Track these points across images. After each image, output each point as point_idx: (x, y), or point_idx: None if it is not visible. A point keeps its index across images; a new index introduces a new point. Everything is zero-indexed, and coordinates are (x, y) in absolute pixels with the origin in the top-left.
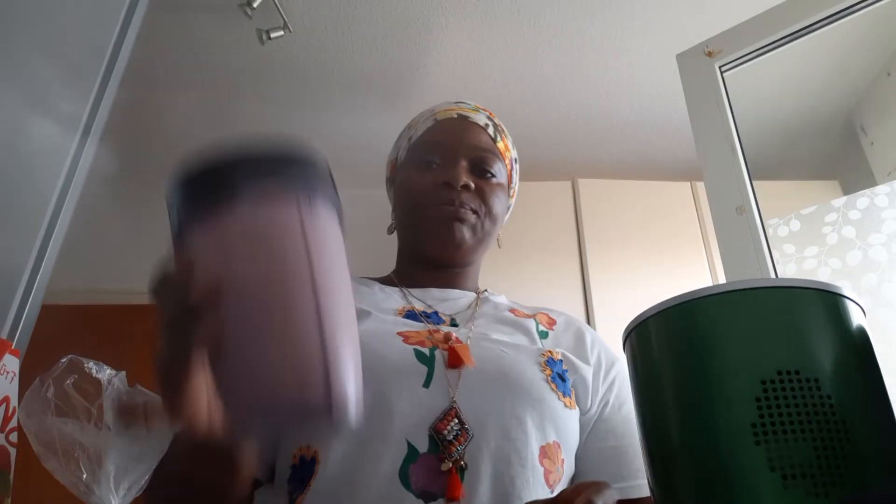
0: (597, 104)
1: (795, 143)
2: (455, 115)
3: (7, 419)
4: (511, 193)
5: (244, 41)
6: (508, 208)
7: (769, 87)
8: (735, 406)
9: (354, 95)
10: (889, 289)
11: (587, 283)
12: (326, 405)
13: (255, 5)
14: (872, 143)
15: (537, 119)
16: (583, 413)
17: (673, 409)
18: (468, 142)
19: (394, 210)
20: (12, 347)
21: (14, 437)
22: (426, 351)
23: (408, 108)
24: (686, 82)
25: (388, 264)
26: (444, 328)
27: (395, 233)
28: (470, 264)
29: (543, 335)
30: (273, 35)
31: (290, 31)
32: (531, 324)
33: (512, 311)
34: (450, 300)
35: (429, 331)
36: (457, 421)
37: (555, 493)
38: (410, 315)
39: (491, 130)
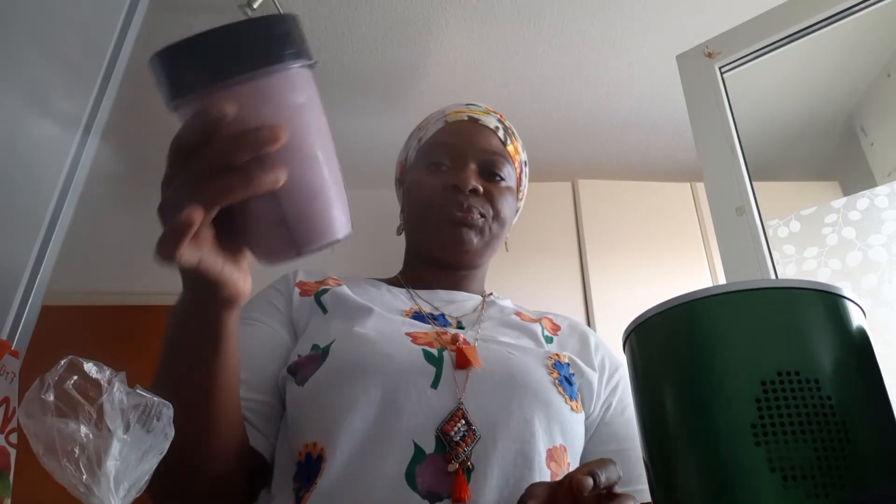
0: (597, 105)
1: (795, 143)
2: (465, 118)
3: (7, 420)
4: (520, 196)
5: None
6: (517, 211)
7: (769, 87)
8: (735, 407)
9: (354, 95)
10: (889, 289)
11: (587, 283)
12: (346, 233)
13: (255, 6)
14: (872, 144)
15: (537, 120)
16: (587, 417)
17: (673, 409)
18: (478, 145)
19: (402, 211)
20: (12, 348)
21: (14, 438)
22: (435, 352)
23: (408, 108)
24: (686, 83)
25: (386, 264)
26: (451, 330)
27: (403, 233)
28: (477, 267)
29: (549, 340)
30: None
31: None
32: (537, 328)
33: (518, 314)
34: (456, 302)
35: (437, 332)
36: (464, 422)
37: None
38: (417, 316)
39: (501, 133)
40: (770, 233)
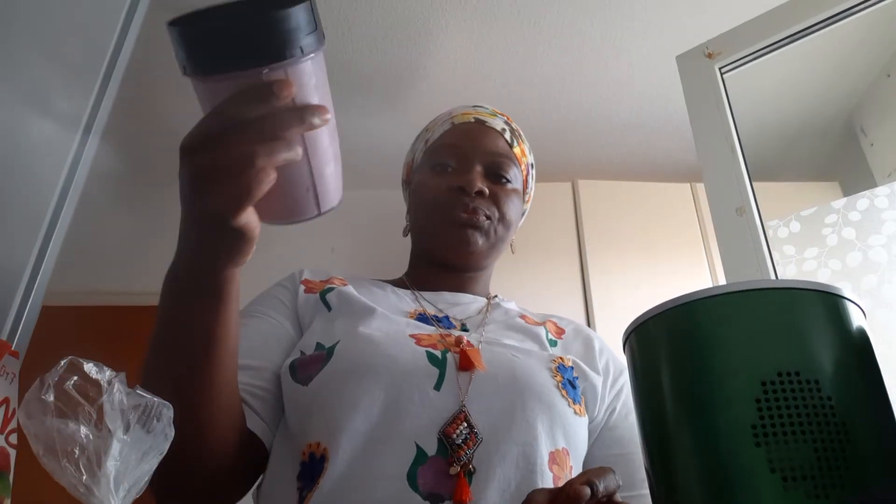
0: (597, 105)
1: (795, 144)
2: (472, 120)
3: (7, 420)
4: (526, 199)
5: None
6: (523, 214)
7: (769, 88)
8: (735, 407)
9: (354, 96)
10: (889, 290)
11: (587, 284)
12: (340, 201)
13: None
14: (872, 145)
15: (537, 120)
16: (590, 421)
17: (673, 410)
18: (484, 146)
19: (408, 212)
20: (12, 348)
21: (14, 439)
22: (438, 354)
23: (408, 108)
24: (686, 84)
25: (387, 264)
26: (455, 332)
27: (409, 235)
28: (482, 269)
29: (553, 343)
30: None
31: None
32: (541, 331)
33: (522, 317)
34: (461, 305)
35: (440, 334)
36: (466, 425)
37: None
38: (422, 318)
39: (507, 135)
40: (770, 233)
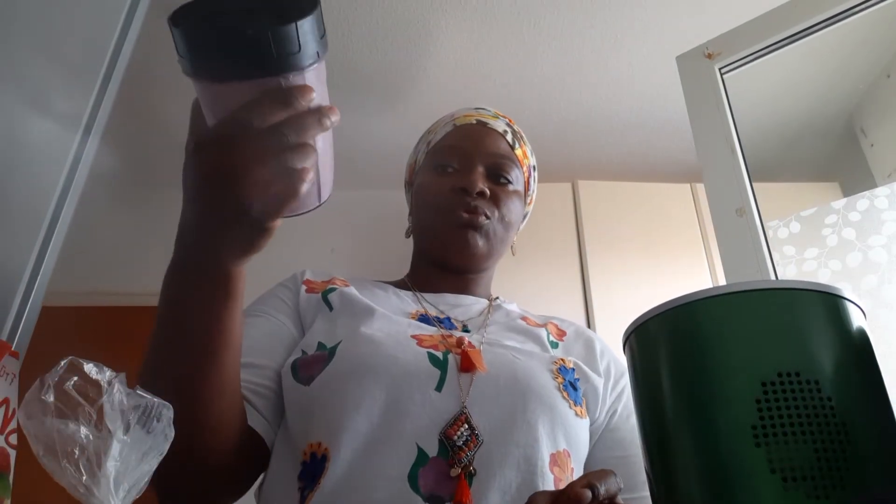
0: (597, 106)
1: (795, 144)
2: (474, 121)
3: (7, 421)
4: (528, 201)
5: None
6: (525, 216)
7: (769, 88)
8: (735, 408)
9: (355, 96)
10: (889, 290)
11: (587, 284)
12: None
13: None
14: (872, 145)
15: (537, 121)
16: (591, 422)
17: (673, 410)
18: (485, 148)
19: (410, 213)
20: (12, 349)
21: (14, 439)
22: (440, 355)
23: (408, 109)
24: (686, 84)
25: (386, 263)
26: (457, 334)
27: (411, 236)
28: (483, 270)
29: (554, 345)
30: None
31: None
32: (542, 333)
33: (523, 318)
34: (462, 306)
35: (442, 335)
36: (466, 426)
37: None
38: (423, 319)
39: (509, 137)
40: (770, 234)
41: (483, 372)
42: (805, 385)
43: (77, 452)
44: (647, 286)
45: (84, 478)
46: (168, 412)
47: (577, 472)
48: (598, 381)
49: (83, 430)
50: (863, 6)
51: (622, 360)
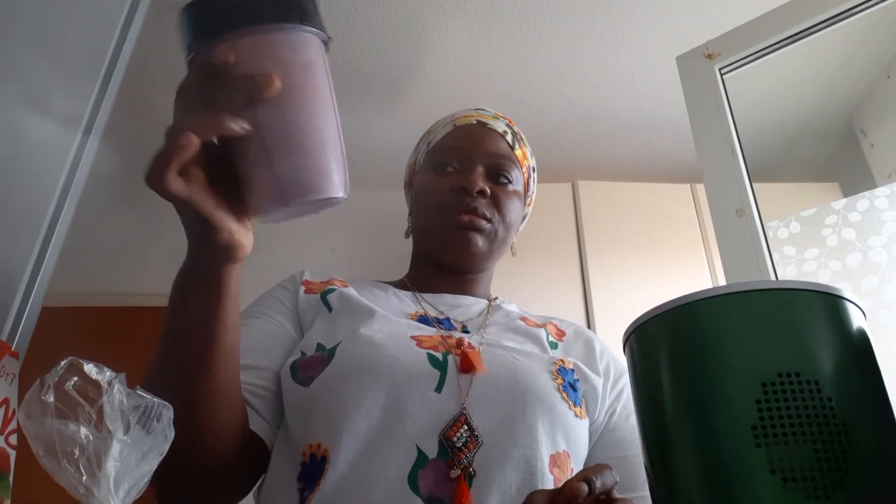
0: (597, 106)
1: (795, 145)
2: (474, 122)
3: (7, 421)
4: (527, 202)
5: None
6: (524, 217)
7: (769, 89)
8: (735, 408)
9: (354, 96)
10: (889, 291)
11: (587, 285)
12: (340, 194)
13: None
14: (872, 146)
15: (537, 121)
16: (591, 423)
17: (673, 411)
18: (485, 148)
19: (410, 214)
20: (12, 349)
21: (14, 440)
22: (439, 356)
23: (408, 109)
24: (686, 84)
25: (386, 263)
26: (456, 334)
27: (410, 237)
28: (483, 271)
29: (553, 346)
30: None
31: None
32: (542, 333)
33: (523, 319)
34: (462, 307)
35: (441, 336)
36: (466, 428)
37: None
38: (423, 320)
39: (509, 137)
40: (770, 234)
41: (483, 373)
42: (805, 385)
43: (77, 453)
44: (647, 286)
45: (84, 478)
46: (168, 412)
47: (575, 471)
48: (598, 382)
49: (83, 431)
50: (863, 6)
51: (622, 361)
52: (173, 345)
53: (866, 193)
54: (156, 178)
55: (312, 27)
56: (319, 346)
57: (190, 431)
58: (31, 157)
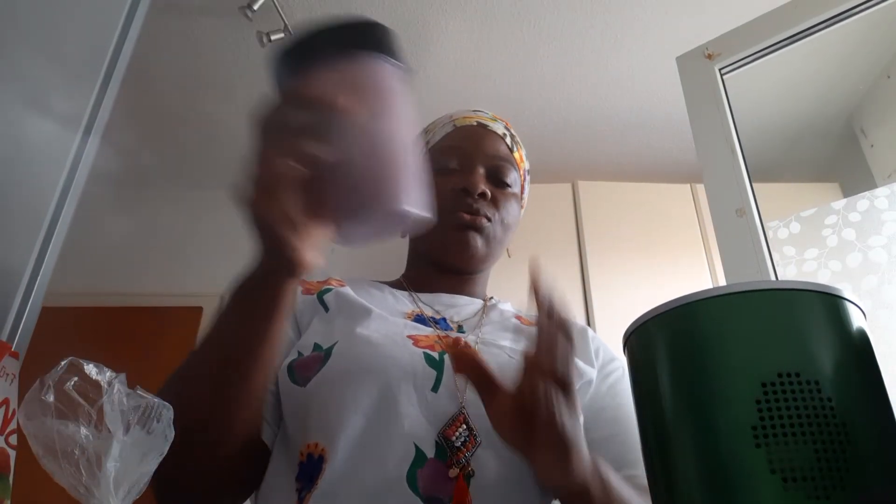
0: (596, 106)
1: (795, 145)
2: (474, 123)
3: (7, 421)
4: (522, 204)
5: (245, 44)
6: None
7: (769, 89)
8: (735, 408)
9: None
10: (889, 291)
11: (587, 285)
12: (420, 211)
13: (255, 8)
14: (872, 146)
15: (537, 121)
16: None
17: (673, 411)
18: (486, 150)
19: None
20: (12, 349)
21: (14, 440)
22: (435, 355)
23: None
24: (686, 84)
25: (386, 264)
26: (453, 334)
27: (405, 236)
28: (481, 272)
29: None
30: (273, 38)
31: (290, 34)
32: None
33: (517, 317)
34: (458, 306)
35: (438, 335)
36: (465, 427)
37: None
38: (419, 319)
39: (508, 140)
40: (770, 234)
41: None
42: (805, 386)
43: (77, 453)
44: (647, 286)
45: (84, 478)
46: (168, 413)
47: None
48: (592, 373)
49: (83, 431)
50: (863, 6)
51: (613, 350)
52: (216, 349)
53: (866, 193)
54: (259, 206)
55: (394, 60)
56: (316, 346)
57: (211, 436)
58: (31, 157)
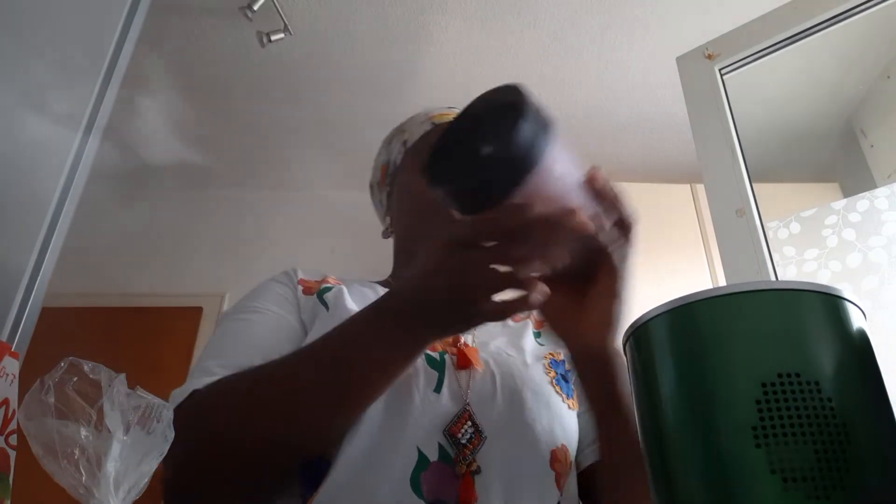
0: (596, 106)
1: (795, 145)
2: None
3: (7, 421)
4: None
5: (245, 44)
6: None
7: (769, 89)
8: (735, 408)
9: (354, 97)
10: (889, 291)
11: None
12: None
13: (255, 8)
14: (872, 146)
15: None
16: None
17: (673, 411)
18: None
19: (388, 214)
20: (12, 350)
21: (14, 440)
22: (436, 355)
23: (406, 110)
24: (686, 85)
25: (384, 264)
26: None
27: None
28: None
29: (537, 335)
30: (273, 38)
31: (290, 34)
32: (528, 325)
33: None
34: None
35: None
36: (470, 424)
37: (563, 496)
38: None
39: None
40: (770, 234)
41: (479, 368)
42: (805, 386)
43: (77, 453)
44: (646, 286)
45: (84, 478)
46: (168, 413)
47: (573, 464)
48: None
49: (83, 431)
50: (862, 7)
51: None
52: (318, 380)
53: (866, 194)
54: (481, 308)
55: (547, 126)
56: None
57: (276, 454)
58: (32, 157)
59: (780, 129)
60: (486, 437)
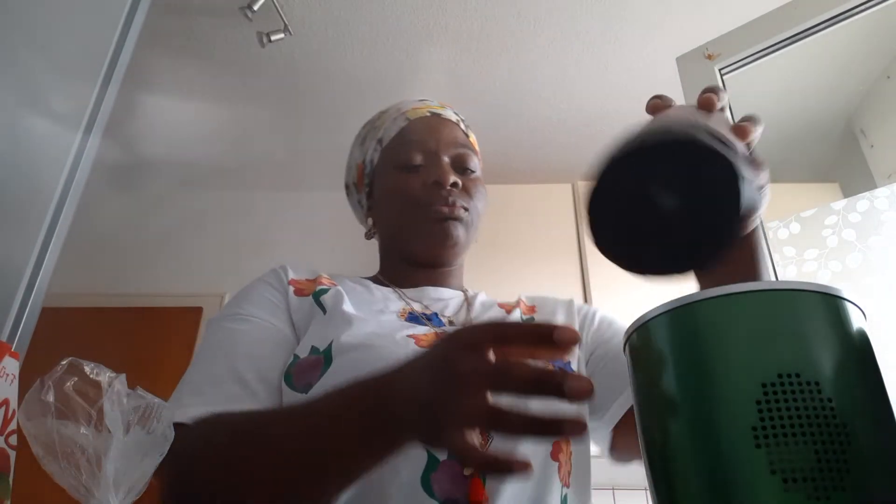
0: (597, 106)
1: (795, 145)
2: (427, 114)
3: (7, 421)
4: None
5: (245, 44)
6: None
7: (769, 89)
8: (735, 409)
9: (354, 97)
10: (889, 291)
11: (587, 285)
12: None
13: (255, 8)
14: (872, 146)
15: (537, 122)
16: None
17: (673, 411)
18: (447, 139)
19: (370, 214)
20: (12, 350)
21: (14, 440)
22: None
23: None
24: (686, 85)
25: (378, 263)
26: (448, 329)
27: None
28: (459, 263)
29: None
30: (273, 38)
31: (290, 34)
32: (517, 314)
33: (499, 305)
34: (444, 300)
35: (435, 333)
36: None
37: (569, 488)
38: (412, 317)
39: (462, 126)
40: (770, 234)
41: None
42: (805, 386)
43: (77, 453)
44: (646, 287)
45: (84, 478)
46: (168, 413)
47: (575, 455)
48: (582, 345)
49: (83, 431)
50: (862, 7)
51: (585, 305)
52: (306, 458)
53: (866, 194)
54: (463, 442)
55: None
56: (314, 350)
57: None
58: (32, 157)
59: (780, 129)
60: (492, 436)
